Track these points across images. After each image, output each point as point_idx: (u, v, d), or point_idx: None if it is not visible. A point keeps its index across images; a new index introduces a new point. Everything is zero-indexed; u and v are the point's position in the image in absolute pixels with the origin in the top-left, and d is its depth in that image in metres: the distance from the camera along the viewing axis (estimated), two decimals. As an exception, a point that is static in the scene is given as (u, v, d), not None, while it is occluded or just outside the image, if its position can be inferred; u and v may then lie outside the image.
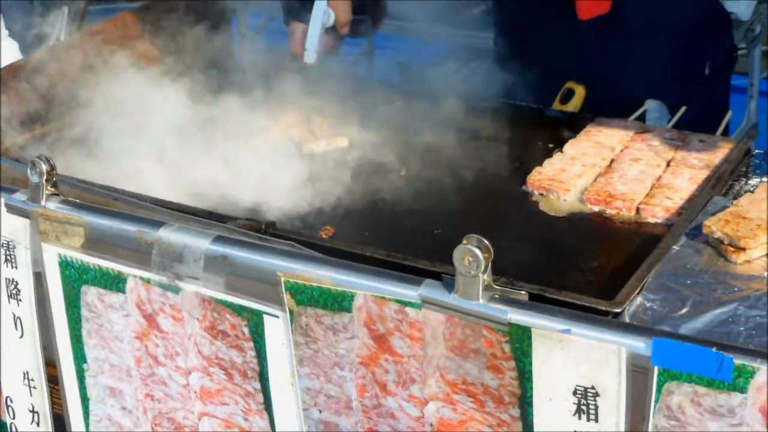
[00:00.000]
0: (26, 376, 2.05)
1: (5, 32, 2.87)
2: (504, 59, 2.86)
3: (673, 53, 2.65)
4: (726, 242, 1.78)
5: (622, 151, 2.26)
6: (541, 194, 2.17)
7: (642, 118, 2.46)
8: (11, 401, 2.11)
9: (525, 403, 1.47)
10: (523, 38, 2.80)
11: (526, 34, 2.78)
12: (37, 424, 2.08)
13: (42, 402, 2.06)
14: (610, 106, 2.41)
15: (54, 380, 2.03)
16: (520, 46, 2.80)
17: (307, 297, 1.61)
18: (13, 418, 2.12)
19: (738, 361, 1.30)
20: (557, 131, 2.43)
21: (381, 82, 2.74)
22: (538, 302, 1.52)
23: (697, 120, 2.35)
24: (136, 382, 1.89)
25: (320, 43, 2.55)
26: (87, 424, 2.00)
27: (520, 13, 2.79)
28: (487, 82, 2.95)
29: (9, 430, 2.14)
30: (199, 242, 1.72)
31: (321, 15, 2.53)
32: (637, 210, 2.06)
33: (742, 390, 1.31)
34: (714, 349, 1.31)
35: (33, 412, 2.08)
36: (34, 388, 2.06)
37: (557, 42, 2.68)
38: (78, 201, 1.89)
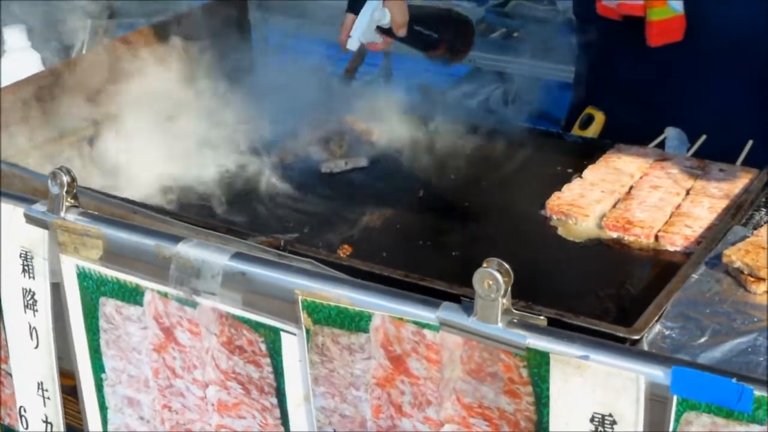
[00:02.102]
0: (40, 387, 2.05)
1: (28, 43, 2.89)
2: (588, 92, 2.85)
3: (750, 87, 2.63)
4: (746, 272, 1.77)
5: (641, 178, 2.26)
6: (560, 219, 2.16)
7: (661, 145, 2.46)
8: (25, 411, 2.11)
9: (541, 428, 1.46)
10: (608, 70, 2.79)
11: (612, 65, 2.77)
12: (51, 435, 2.09)
13: (55, 414, 2.05)
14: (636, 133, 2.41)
15: (69, 391, 2.03)
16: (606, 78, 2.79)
17: (324, 316, 1.61)
18: (27, 428, 2.11)
19: (758, 392, 1.29)
20: (577, 156, 2.43)
21: (400, 103, 2.74)
22: (556, 327, 1.51)
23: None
24: (153, 392, 1.89)
25: (366, 34, 2.55)
26: (105, 433, 2.01)
27: (607, 44, 2.78)
28: (505, 106, 2.95)
29: None
30: (217, 258, 1.72)
31: (372, 7, 2.54)
32: (656, 237, 2.06)
33: (761, 422, 1.30)
34: (734, 380, 1.30)
35: (46, 422, 2.08)
36: (48, 399, 2.05)
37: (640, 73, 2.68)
38: (97, 213, 1.89)
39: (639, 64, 2.63)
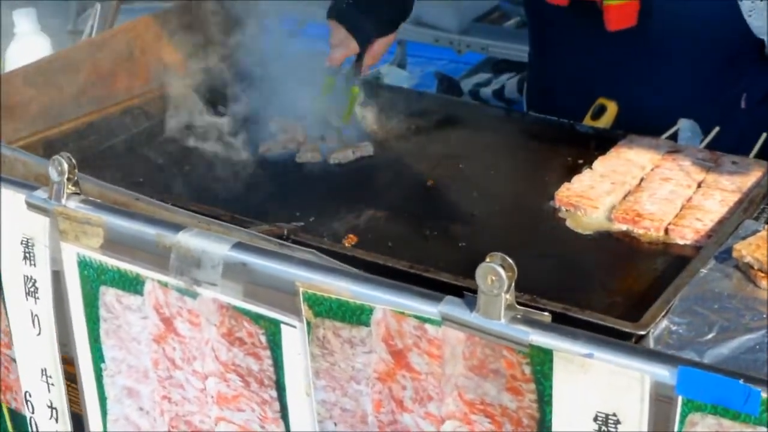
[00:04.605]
0: (44, 373, 2.04)
1: (38, 27, 2.87)
2: (538, 73, 2.83)
3: (707, 77, 2.60)
4: (756, 267, 1.73)
5: (652, 170, 2.22)
6: (569, 211, 2.13)
7: (674, 137, 2.42)
8: (30, 396, 2.10)
9: (543, 427, 1.44)
10: (558, 54, 2.76)
11: (562, 50, 2.74)
12: (56, 420, 2.07)
13: (60, 399, 2.04)
14: (643, 124, 2.37)
15: (72, 378, 2.02)
16: (555, 61, 2.76)
17: (326, 309, 1.58)
18: (33, 413, 2.11)
19: (765, 394, 1.26)
20: (587, 147, 2.40)
21: (412, 91, 2.72)
22: (561, 322, 1.48)
23: (735, 149, 2.30)
24: (153, 383, 1.87)
25: None
26: (104, 423, 1.98)
27: (555, 29, 2.74)
28: (520, 95, 2.92)
29: (29, 423, 2.13)
30: (218, 248, 1.69)
31: None
32: (666, 231, 2.03)
33: (769, 425, 1.27)
34: (741, 381, 1.27)
35: (51, 408, 2.07)
36: (52, 384, 2.04)
37: (591, 58, 2.64)
38: (98, 201, 1.87)
39: (586, 49, 2.63)
